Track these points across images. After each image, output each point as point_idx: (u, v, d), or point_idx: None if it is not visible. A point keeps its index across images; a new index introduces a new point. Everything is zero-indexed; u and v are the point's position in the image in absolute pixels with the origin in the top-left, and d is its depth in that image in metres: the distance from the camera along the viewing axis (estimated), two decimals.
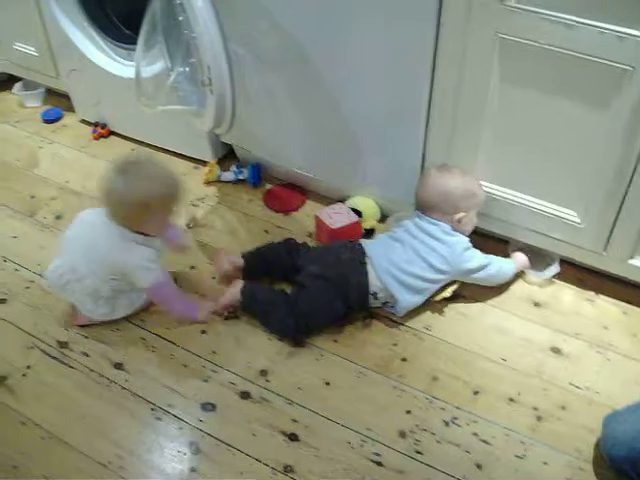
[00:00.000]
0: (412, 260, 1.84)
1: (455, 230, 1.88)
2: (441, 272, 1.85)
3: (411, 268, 1.83)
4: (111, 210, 1.74)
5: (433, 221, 1.88)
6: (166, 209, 1.77)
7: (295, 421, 1.68)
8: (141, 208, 1.70)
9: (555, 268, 1.97)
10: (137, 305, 1.91)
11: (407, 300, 1.84)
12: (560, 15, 1.54)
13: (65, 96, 2.75)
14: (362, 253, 1.86)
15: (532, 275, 1.99)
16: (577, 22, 1.53)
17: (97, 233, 1.79)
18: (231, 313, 1.92)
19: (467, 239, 1.90)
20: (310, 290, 1.84)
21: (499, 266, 1.92)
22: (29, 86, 2.87)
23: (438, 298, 1.92)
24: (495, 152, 1.86)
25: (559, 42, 1.58)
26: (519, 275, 2.00)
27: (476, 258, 1.88)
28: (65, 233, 1.88)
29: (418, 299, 1.87)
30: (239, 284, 1.90)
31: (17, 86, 2.89)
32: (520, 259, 1.97)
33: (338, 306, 1.83)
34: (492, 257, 1.92)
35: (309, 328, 1.84)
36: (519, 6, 1.58)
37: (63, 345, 1.87)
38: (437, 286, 1.89)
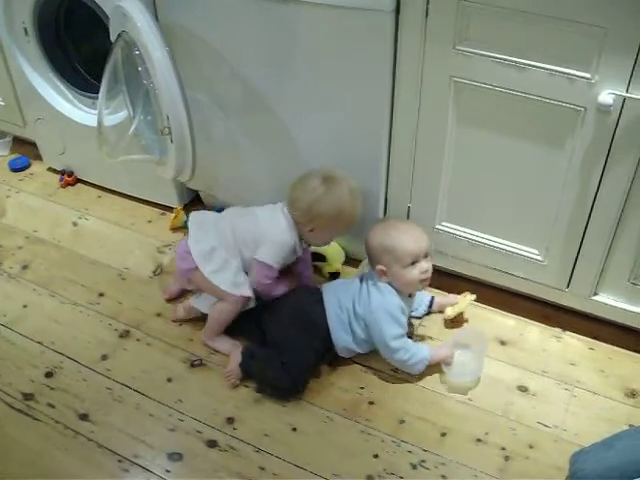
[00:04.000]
0: (348, 302, 1.85)
1: (391, 285, 1.84)
2: (358, 316, 1.83)
3: (346, 310, 1.84)
4: (300, 209, 1.86)
5: (372, 272, 1.89)
6: (345, 224, 1.90)
7: (262, 469, 1.66)
8: (332, 217, 1.84)
9: (477, 372, 1.85)
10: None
11: (338, 337, 1.84)
12: (511, 58, 1.58)
13: (32, 144, 2.75)
14: (320, 294, 1.88)
15: (448, 374, 1.84)
16: (528, 65, 1.57)
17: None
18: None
19: (394, 302, 1.82)
20: (286, 340, 1.83)
21: (414, 358, 1.82)
22: None
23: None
24: (455, 193, 1.88)
25: (512, 84, 1.61)
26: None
27: (402, 352, 1.81)
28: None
29: (351, 339, 1.85)
30: (239, 347, 1.89)
31: None
32: (441, 352, 1.84)
33: (317, 345, 1.83)
34: (414, 350, 1.82)
35: (303, 376, 1.82)
36: (472, 50, 1.61)
37: (28, 397, 1.84)
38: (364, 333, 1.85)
